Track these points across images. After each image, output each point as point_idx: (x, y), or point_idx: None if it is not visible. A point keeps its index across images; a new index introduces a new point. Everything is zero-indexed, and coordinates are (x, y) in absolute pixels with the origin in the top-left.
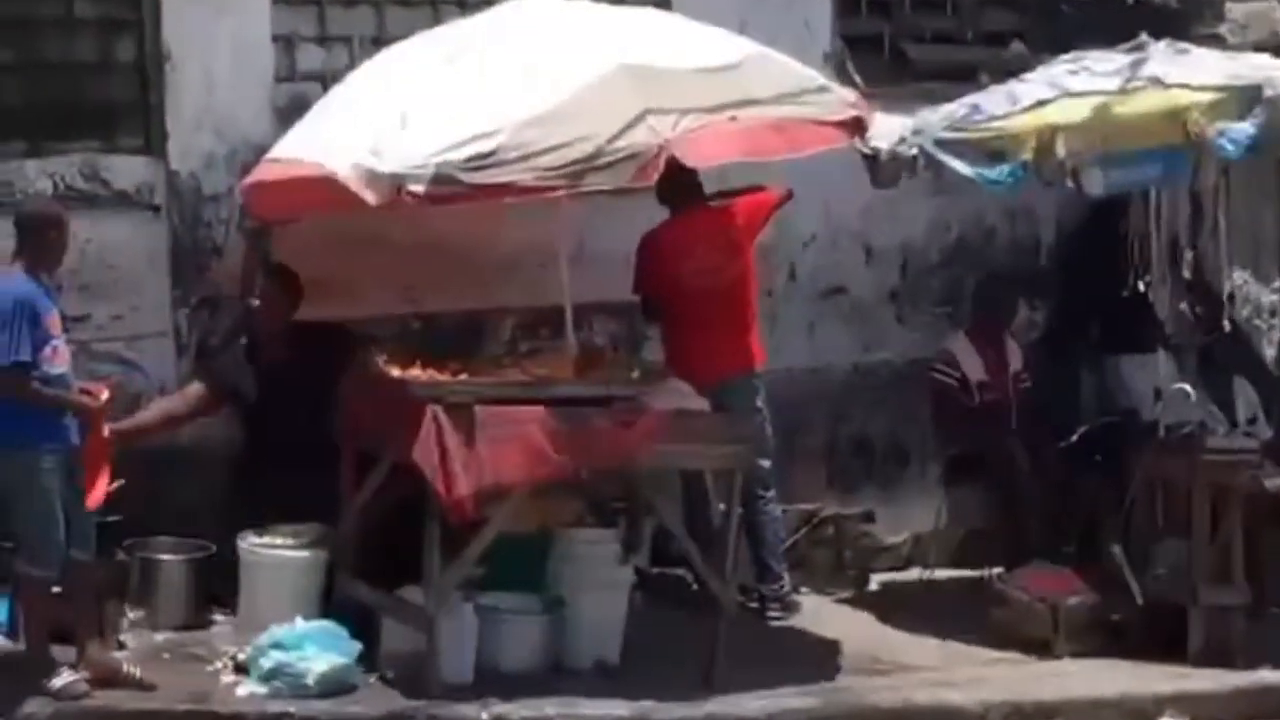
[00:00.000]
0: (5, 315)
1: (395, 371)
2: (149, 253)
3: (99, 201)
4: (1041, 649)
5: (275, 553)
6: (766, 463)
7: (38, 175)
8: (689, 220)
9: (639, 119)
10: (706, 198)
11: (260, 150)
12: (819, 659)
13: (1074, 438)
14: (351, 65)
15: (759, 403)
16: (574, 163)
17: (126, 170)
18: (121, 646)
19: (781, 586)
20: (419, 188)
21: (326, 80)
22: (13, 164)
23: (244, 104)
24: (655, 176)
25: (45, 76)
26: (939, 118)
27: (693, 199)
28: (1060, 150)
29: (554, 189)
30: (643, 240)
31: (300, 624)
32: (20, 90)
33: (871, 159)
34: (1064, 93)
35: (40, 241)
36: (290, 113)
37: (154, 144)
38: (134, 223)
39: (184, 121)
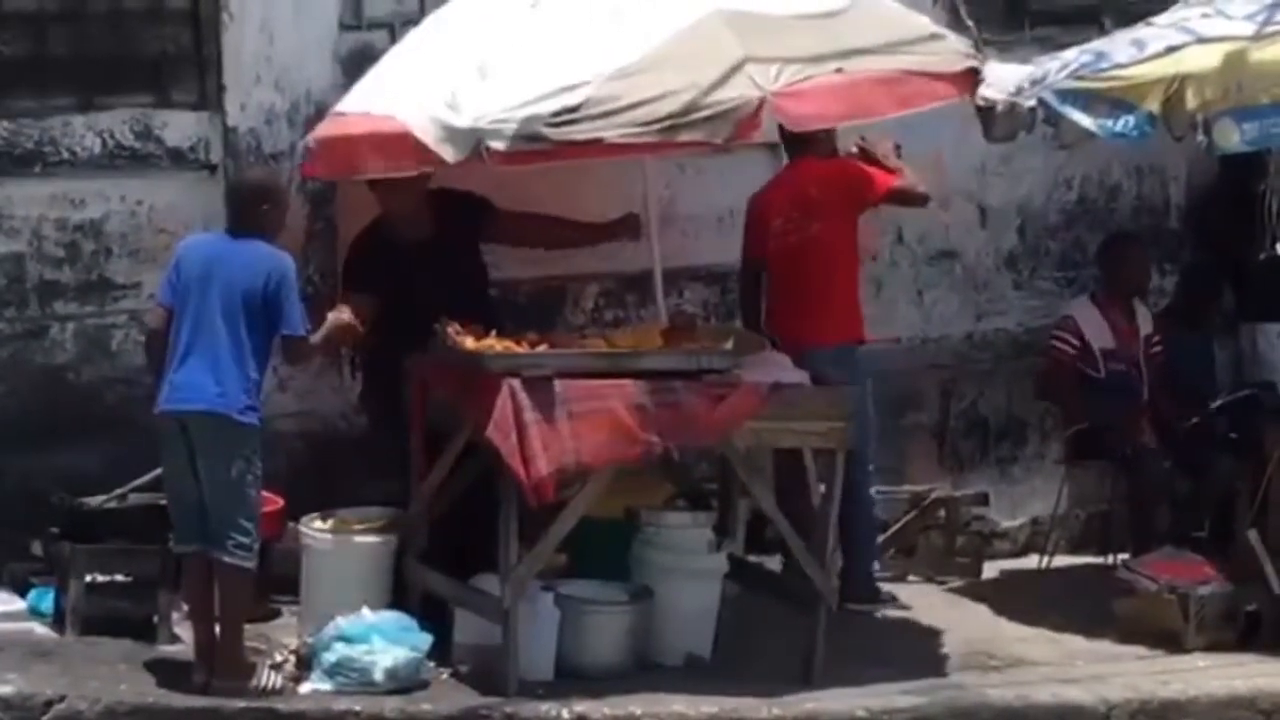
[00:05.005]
0: (295, 285)
1: (469, 343)
2: (204, 215)
3: (150, 160)
4: (1170, 642)
5: (340, 537)
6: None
7: (85, 132)
8: (792, 172)
9: (737, 69)
10: (823, 147)
11: (324, 105)
12: (928, 653)
13: (1207, 413)
14: (423, 12)
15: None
16: (667, 118)
17: (180, 126)
18: (174, 639)
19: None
20: (500, 145)
21: (395, 28)
22: (59, 120)
23: (306, 54)
24: (755, 134)
25: (93, 26)
26: (1059, 66)
27: (805, 148)
28: (1191, 101)
29: (645, 147)
30: (750, 198)
31: (367, 615)
32: (67, 41)
33: (986, 111)
34: (1195, 38)
35: (255, 213)
36: (356, 64)
37: (209, 98)
38: (188, 183)
39: (242, 74)
